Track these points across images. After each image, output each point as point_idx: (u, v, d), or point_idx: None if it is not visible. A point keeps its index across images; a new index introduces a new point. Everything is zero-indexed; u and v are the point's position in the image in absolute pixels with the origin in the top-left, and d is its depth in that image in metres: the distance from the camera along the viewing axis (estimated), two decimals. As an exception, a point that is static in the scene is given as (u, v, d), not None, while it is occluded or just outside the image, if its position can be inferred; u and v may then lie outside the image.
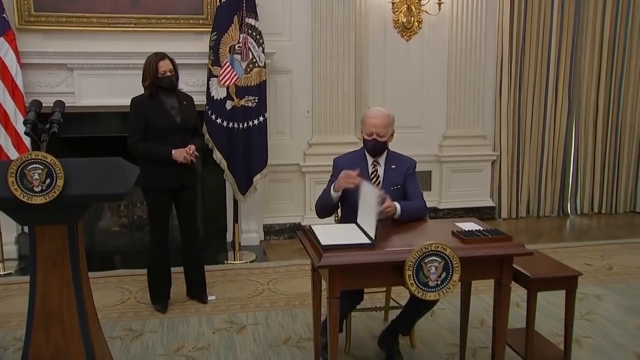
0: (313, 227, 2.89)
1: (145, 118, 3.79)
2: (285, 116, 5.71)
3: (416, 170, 3.27)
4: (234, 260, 5.03)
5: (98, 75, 4.93)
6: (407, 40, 6.01)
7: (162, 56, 3.83)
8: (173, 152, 3.79)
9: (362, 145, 3.24)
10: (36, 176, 2.26)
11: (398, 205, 3.00)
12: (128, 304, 4.08)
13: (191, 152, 3.84)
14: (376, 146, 3.14)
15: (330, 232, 2.81)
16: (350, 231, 2.84)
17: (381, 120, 3.10)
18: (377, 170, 3.19)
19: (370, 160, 3.20)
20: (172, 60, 3.86)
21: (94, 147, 5.04)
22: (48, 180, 2.28)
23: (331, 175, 3.21)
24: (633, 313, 3.91)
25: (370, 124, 3.11)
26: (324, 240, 2.66)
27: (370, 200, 2.77)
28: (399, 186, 3.17)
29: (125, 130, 4.95)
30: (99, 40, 4.96)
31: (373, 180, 3.16)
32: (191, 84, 4.97)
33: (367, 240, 2.67)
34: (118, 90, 4.85)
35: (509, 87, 6.26)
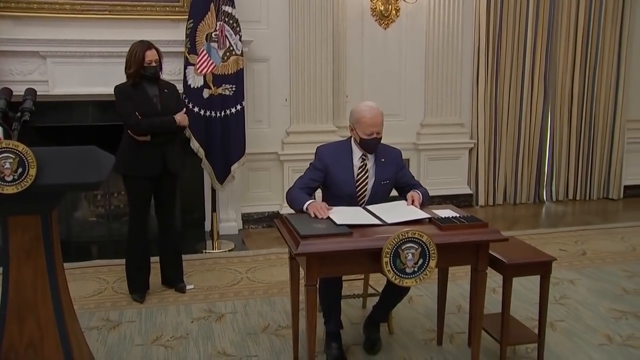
0: (289, 216, 2.88)
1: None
2: (263, 105, 5.67)
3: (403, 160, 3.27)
4: (213, 250, 5.01)
5: (72, 63, 4.83)
6: (385, 29, 6.01)
7: (148, 45, 3.77)
8: (176, 118, 3.80)
9: (349, 140, 3.16)
10: (7, 165, 2.21)
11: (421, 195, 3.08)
12: (105, 294, 4.04)
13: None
14: (378, 144, 3.09)
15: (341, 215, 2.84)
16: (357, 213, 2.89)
17: (379, 118, 3.04)
18: (366, 165, 3.13)
19: (358, 153, 3.13)
20: (157, 50, 3.82)
21: (69, 136, 4.94)
22: (20, 170, 2.22)
23: (311, 164, 3.16)
24: (604, 297, 3.98)
25: (370, 123, 3.01)
26: (303, 230, 2.65)
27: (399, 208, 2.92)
28: (388, 181, 3.15)
29: (103, 119, 4.95)
30: (72, 28, 4.86)
31: (362, 175, 3.11)
32: (168, 72, 4.87)
33: (341, 228, 2.69)
34: (94, 79, 4.77)
35: (485, 75, 6.29)
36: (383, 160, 3.14)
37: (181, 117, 3.86)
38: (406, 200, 3.05)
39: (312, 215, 2.86)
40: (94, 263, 4.61)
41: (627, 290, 4.10)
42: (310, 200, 2.97)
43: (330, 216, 2.82)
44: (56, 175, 2.28)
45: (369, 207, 3.00)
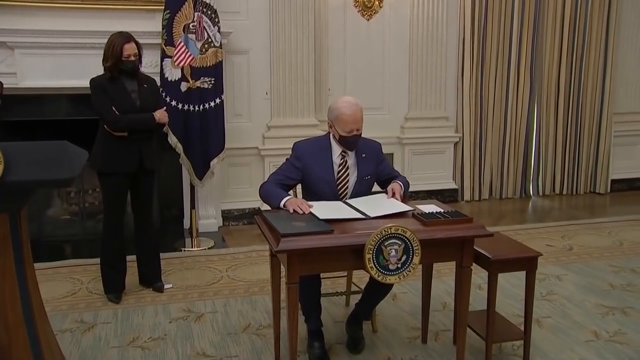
0: (268, 213, 2.86)
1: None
2: (243, 98, 5.64)
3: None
4: (192, 247, 4.99)
5: (42, 54, 4.75)
6: (368, 20, 6.00)
7: (128, 38, 3.71)
8: (156, 115, 3.76)
9: (328, 136, 3.15)
10: (-28, 161, 2.16)
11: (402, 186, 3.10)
12: (79, 295, 3.99)
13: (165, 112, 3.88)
14: (358, 141, 3.07)
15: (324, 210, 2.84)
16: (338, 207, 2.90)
17: (359, 114, 3.01)
18: (346, 162, 3.11)
19: (338, 150, 3.11)
20: (137, 43, 3.76)
21: (41, 132, 4.87)
22: (-15, 166, 2.18)
23: (287, 159, 3.14)
24: (591, 292, 4.02)
25: (350, 120, 2.97)
26: (283, 228, 2.64)
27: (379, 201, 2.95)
28: (369, 176, 3.15)
29: (77, 113, 4.88)
30: (42, 17, 4.77)
31: (342, 172, 3.10)
32: (144, 64, 4.74)
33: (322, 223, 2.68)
34: (65, 71, 4.71)
35: (471, 67, 6.32)
36: (364, 155, 3.13)
37: (161, 115, 3.82)
38: (386, 193, 3.05)
39: (292, 212, 2.84)
40: (68, 263, 4.55)
41: (614, 285, 4.14)
42: (288, 197, 2.95)
43: (312, 211, 2.80)
44: (25, 171, 2.23)
45: (350, 201, 3.00)
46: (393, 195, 3.02)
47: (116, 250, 3.88)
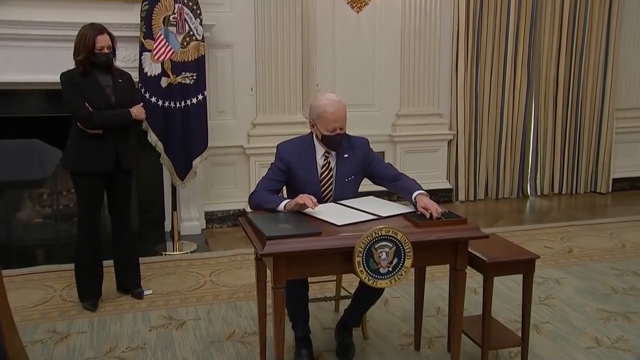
0: (254, 215, 2.85)
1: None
2: (227, 94, 5.63)
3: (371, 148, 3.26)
4: (173, 251, 4.98)
5: (10, 47, 4.70)
6: (358, 12, 6.01)
7: (100, 30, 3.67)
8: (132, 111, 3.74)
9: (311, 135, 3.15)
10: (-64, 161, 2.14)
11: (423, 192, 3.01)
12: (52, 303, 3.96)
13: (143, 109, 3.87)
14: (342, 140, 3.08)
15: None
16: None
17: (342, 112, 3.02)
18: (329, 163, 3.12)
19: (321, 150, 3.12)
20: (111, 35, 3.73)
21: (10, 129, 4.82)
22: (-50, 166, 2.16)
23: (272, 163, 3.14)
24: (592, 296, 4.04)
25: (333, 119, 2.98)
26: (269, 230, 2.63)
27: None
28: (353, 176, 3.15)
29: (49, 110, 4.84)
30: (10, 7, 4.70)
31: (326, 173, 3.11)
32: (122, 59, 4.77)
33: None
34: (37, 65, 4.67)
35: (465, 62, 6.34)
36: (346, 156, 3.13)
37: (137, 111, 3.80)
38: (416, 210, 2.90)
39: (301, 204, 2.82)
40: (39, 269, 4.51)
41: (616, 289, 4.16)
42: (287, 200, 2.95)
43: (324, 218, 2.79)
44: (-7, 171, 2.23)
45: (344, 202, 3.03)
46: (431, 216, 2.80)
47: (92, 255, 3.86)
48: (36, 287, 4.21)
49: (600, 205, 6.64)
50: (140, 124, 3.97)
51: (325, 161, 3.12)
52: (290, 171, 3.08)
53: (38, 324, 3.65)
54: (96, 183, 3.78)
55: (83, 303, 3.87)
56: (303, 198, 2.85)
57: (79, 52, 3.65)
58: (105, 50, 3.67)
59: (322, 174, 3.11)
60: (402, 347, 3.34)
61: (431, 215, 2.78)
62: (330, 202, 3.10)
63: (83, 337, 3.48)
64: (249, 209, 3.11)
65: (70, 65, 3.73)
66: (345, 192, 3.11)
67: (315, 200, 2.86)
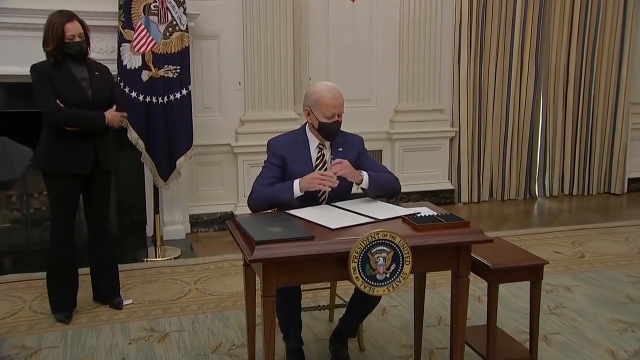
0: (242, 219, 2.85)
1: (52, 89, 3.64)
2: (213, 89, 5.64)
3: (365, 147, 3.30)
4: (155, 257, 4.98)
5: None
6: (353, 1, 6.01)
7: (69, 17, 3.65)
8: (107, 115, 3.70)
9: (303, 129, 3.19)
10: None
11: (365, 174, 3.08)
12: (21, 315, 3.93)
13: (124, 116, 3.86)
14: (339, 129, 3.14)
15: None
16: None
17: (340, 98, 3.09)
18: (324, 155, 3.17)
19: (315, 142, 3.17)
20: (82, 23, 3.70)
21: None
22: None
23: (265, 161, 3.16)
24: (605, 305, 4.04)
25: (332, 104, 3.05)
26: (257, 235, 2.62)
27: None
28: None
29: (19, 105, 4.82)
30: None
31: (320, 167, 3.14)
32: (98, 50, 4.80)
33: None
34: (4, 56, 4.66)
35: (468, 54, 6.35)
36: (341, 149, 3.18)
37: (112, 116, 3.74)
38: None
39: (319, 184, 2.94)
40: (7, 278, 4.49)
41: (633, 298, 4.16)
42: (298, 180, 3.00)
43: (315, 220, 2.80)
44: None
45: (338, 204, 3.03)
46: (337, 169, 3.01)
47: (66, 262, 3.83)
48: (3, 298, 4.19)
49: (614, 207, 6.66)
50: (114, 128, 3.91)
51: (320, 153, 3.17)
52: (285, 165, 3.12)
53: (4, 338, 3.62)
54: (72, 184, 3.76)
55: (56, 315, 3.84)
56: (321, 178, 2.94)
57: (48, 42, 3.62)
58: (77, 39, 3.64)
59: (317, 166, 3.14)
60: (400, 359, 3.35)
61: (432, 217, 2.79)
62: (325, 197, 3.12)
63: (55, 353, 3.45)
64: (240, 203, 3.11)
65: (40, 56, 3.69)
66: (340, 185, 3.11)
67: (334, 177, 2.94)
